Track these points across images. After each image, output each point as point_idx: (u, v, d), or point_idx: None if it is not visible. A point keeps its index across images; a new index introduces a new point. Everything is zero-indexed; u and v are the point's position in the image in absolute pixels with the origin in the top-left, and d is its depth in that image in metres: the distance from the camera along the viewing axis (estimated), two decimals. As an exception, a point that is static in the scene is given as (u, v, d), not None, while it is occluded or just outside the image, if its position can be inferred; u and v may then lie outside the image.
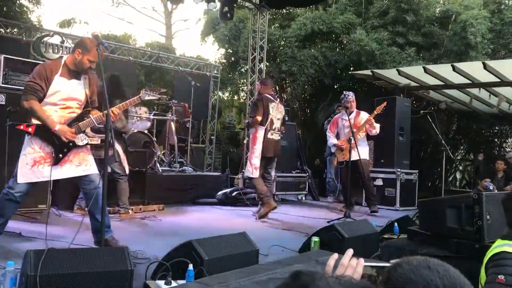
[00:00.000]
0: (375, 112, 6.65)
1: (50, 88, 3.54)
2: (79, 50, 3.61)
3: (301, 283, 0.73)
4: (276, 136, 6.03)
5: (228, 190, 7.45)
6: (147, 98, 4.09)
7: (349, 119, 6.27)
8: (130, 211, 5.46)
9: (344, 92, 6.91)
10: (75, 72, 3.67)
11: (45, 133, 3.54)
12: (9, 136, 4.55)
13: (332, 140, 6.90)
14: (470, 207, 2.95)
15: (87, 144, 3.70)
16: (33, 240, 3.89)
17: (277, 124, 6.01)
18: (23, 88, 3.75)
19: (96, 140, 3.78)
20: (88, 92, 3.75)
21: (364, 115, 6.76)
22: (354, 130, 6.32)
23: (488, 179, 8.35)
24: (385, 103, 6.80)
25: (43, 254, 2.31)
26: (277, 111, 6.02)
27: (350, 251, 1.20)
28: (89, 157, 3.76)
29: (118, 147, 4.35)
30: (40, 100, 3.54)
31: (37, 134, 3.54)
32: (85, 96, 3.74)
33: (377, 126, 6.67)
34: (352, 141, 6.08)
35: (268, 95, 6.00)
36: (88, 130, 3.74)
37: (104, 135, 3.72)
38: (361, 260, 1.17)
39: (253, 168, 5.78)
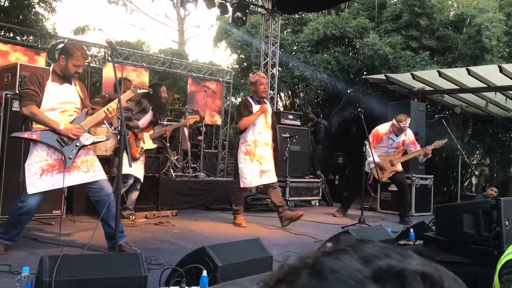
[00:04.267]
0: (433, 146, 6.58)
1: (44, 93, 3.53)
2: (62, 56, 3.62)
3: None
4: None
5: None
6: (139, 91, 4.14)
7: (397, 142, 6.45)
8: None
9: (407, 117, 6.41)
10: (64, 78, 3.68)
11: (50, 137, 3.51)
12: (25, 142, 4.59)
13: (374, 157, 6.20)
14: (488, 212, 2.89)
15: (93, 142, 3.72)
16: (48, 246, 3.91)
17: None
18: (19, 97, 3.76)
19: (102, 138, 3.81)
20: (82, 95, 3.79)
21: (409, 133, 6.63)
22: (407, 148, 6.64)
23: (495, 188, 7.98)
24: (446, 141, 6.67)
25: (58, 260, 2.32)
26: None
27: None
28: (96, 163, 3.76)
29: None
30: (38, 106, 3.52)
31: (42, 141, 3.51)
32: (80, 99, 3.76)
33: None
34: (396, 165, 6.50)
35: None
36: (91, 129, 3.77)
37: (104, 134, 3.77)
38: None
39: None
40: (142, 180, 5.44)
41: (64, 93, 3.65)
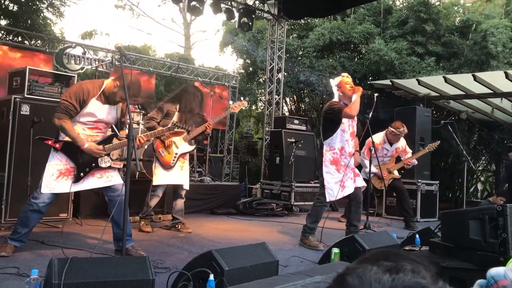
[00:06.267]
0: (426, 150, 6.71)
1: (84, 109, 3.64)
2: (117, 83, 3.69)
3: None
4: None
5: (248, 199, 7.46)
6: (176, 130, 4.28)
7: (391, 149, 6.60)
8: None
9: (402, 124, 6.46)
10: (109, 100, 3.77)
11: (71, 150, 3.64)
12: (33, 146, 4.64)
13: (372, 167, 5.79)
14: (494, 219, 2.90)
15: (109, 167, 3.78)
16: (55, 248, 3.94)
17: None
18: (57, 103, 3.83)
19: (119, 165, 3.84)
20: (119, 114, 3.87)
21: (403, 141, 6.70)
22: (399, 155, 6.74)
23: (504, 198, 7.81)
24: (438, 142, 6.71)
25: (66, 262, 2.35)
26: None
27: None
28: (111, 172, 3.83)
29: None
30: (72, 117, 3.63)
31: (63, 151, 3.64)
32: (116, 119, 3.86)
33: (415, 161, 6.76)
34: (393, 173, 6.63)
35: None
36: (112, 153, 3.82)
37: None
38: None
39: None
40: (186, 187, 5.24)
41: (103, 114, 3.74)
